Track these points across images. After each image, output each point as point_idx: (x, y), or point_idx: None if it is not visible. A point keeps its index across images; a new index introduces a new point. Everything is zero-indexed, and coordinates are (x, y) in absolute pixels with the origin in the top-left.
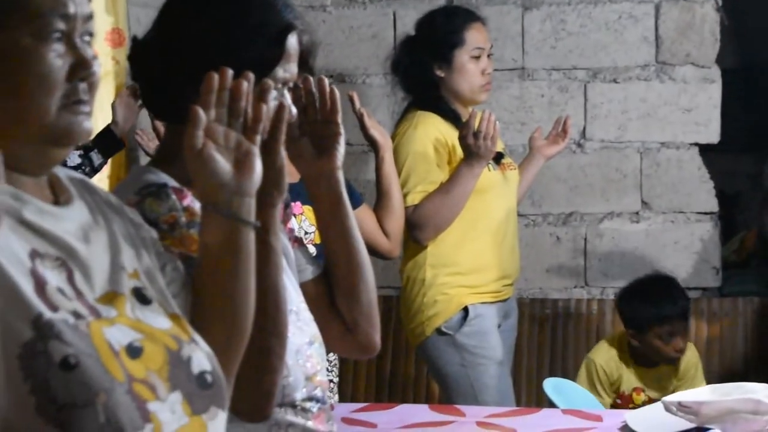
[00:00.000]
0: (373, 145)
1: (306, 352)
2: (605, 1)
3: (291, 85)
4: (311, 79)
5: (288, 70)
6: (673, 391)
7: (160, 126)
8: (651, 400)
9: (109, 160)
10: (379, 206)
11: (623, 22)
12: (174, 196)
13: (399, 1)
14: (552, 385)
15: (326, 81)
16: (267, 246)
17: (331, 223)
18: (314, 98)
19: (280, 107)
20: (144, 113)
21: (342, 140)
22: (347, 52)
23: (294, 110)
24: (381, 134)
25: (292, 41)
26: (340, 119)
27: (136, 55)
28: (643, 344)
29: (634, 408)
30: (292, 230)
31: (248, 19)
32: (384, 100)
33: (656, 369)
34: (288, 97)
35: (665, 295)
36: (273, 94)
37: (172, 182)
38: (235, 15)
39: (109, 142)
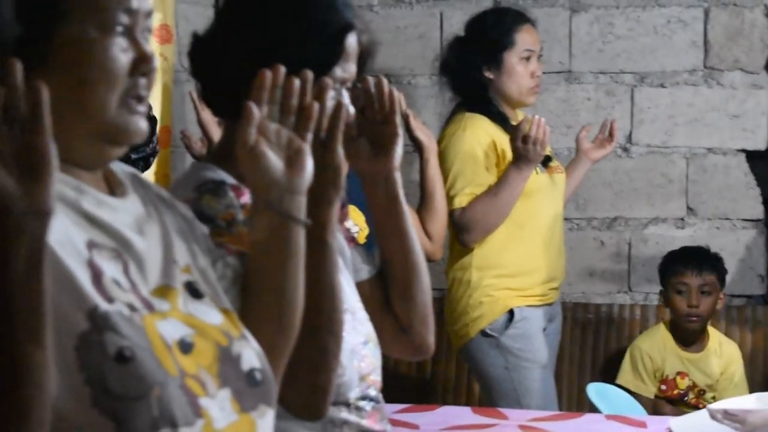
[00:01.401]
0: (417, 146)
1: (361, 352)
2: (654, 5)
3: (349, 84)
4: (370, 79)
5: (346, 69)
6: (717, 380)
7: (208, 123)
8: (695, 386)
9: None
10: (423, 208)
11: (672, 26)
12: (232, 193)
13: (446, 1)
14: (595, 390)
15: (385, 81)
16: (324, 244)
17: (388, 223)
18: (373, 98)
19: (338, 106)
20: (192, 112)
21: (400, 141)
22: (393, 52)
23: (352, 110)
24: (426, 136)
25: (351, 41)
26: (398, 120)
27: (195, 52)
28: (668, 304)
29: (678, 394)
30: (348, 229)
31: (308, 17)
32: (429, 100)
33: (699, 354)
34: (346, 97)
35: (686, 250)
36: (331, 93)
37: (230, 179)
38: (296, 13)
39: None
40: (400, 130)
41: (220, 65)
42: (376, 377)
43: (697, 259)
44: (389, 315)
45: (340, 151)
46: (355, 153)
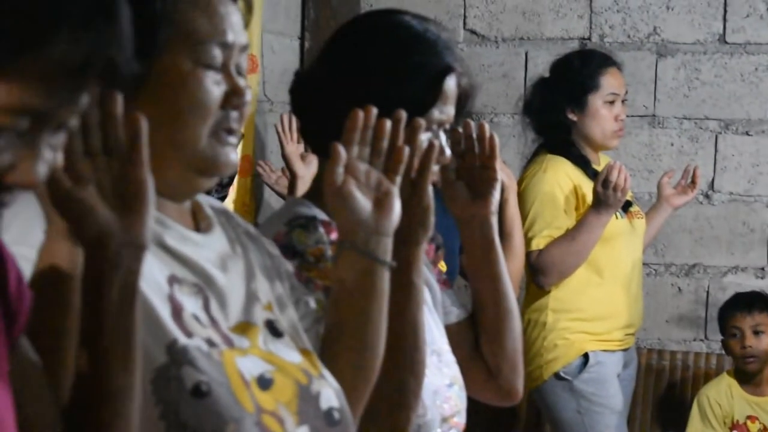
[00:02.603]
0: None
1: (445, 394)
2: (742, 52)
3: (447, 126)
4: (471, 123)
5: (444, 111)
6: None
7: (292, 156)
8: (766, 429)
9: (235, 185)
10: (501, 247)
11: (759, 74)
12: (322, 229)
13: (531, 41)
14: None
15: (486, 126)
16: (410, 283)
17: (482, 267)
18: (473, 143)
19: (430, 146)
20: (274, 142)
21: (498, 186)
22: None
23: (448, 152)
24: (507, 175)
25: (450, 83)
26: (498, 165)
27: (296, 89)
28: (726, 349)
29: None
30: (441, 272)
31: (409, 59)
32: (511, 140)
33: (766, 398)
34: (443, 139)
35: (739, 296)
36: (426, 134)
37: (322, 215)
38: (397, 54)
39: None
40: (499, 175)
41: (319, 103)
42: (460, 420)
43: (747, 300)
44: (478, 359)
45: (430, 191)
46: (452, 196)
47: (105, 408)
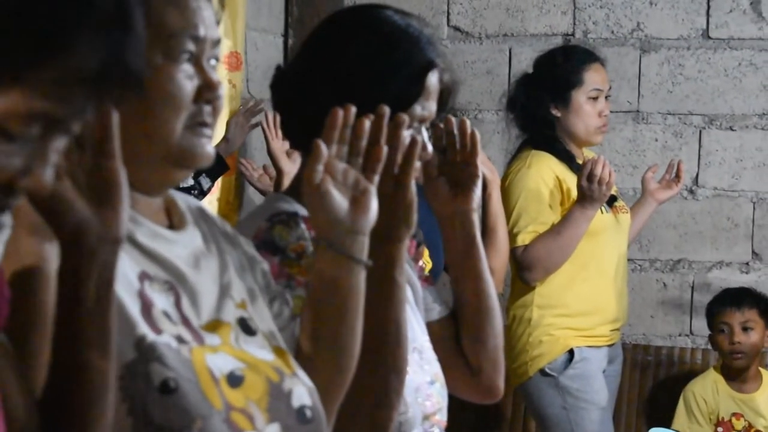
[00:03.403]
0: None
1: (426, 391)
2: (725, 47)
3: (429, 123)
4: (453, 119)
5: (426, 107)
6: None
7: (278, 153)
8: (751, 426)
9: (219, 184)
10: (484, 242)
11: (743, 69)
12: (303, 226)
13: (515, 38)
14: None
15: (468, 122)
16: (392, 281)
17: (463, 264)
18: (454, 139)
19: (413, 142)
20: (258, 139)
21: (479, 182)
22: (461, 87)
23: (430, 148)
24: (490, 170)
25: (433, 79)
26: (479, 161)
27: (277, 85)
28: (714, 345)
29: None
30: (422, 268)
31: (391, 54)
32: (495, 136)
33: (753, 394)
34: (425, 135)
35: (728, 291)
36: (408, 130)
37: (303, 211)
38: (379, 50)
39: (215, 164)
40: (480, 171)
41: (301, 99)
42: (442, 417)
43: (737, 296)
44: (459, 356)
45: (413, 187)
46: (434, 193)
47: (81, 399)
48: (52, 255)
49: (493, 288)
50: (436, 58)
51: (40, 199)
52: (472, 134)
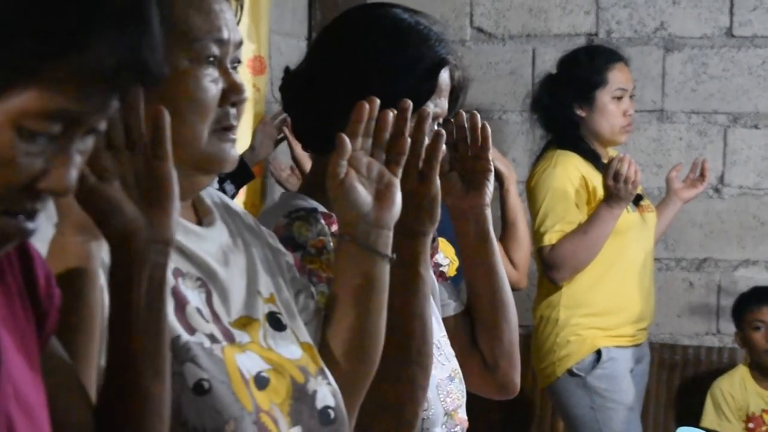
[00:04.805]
0: (497, 176)
1: (446, 387)
2: (749, 45)
3: (441, 120)
4: (463, 114)
5: (439, 105)
6: None
7: (302, 157)
8: None
9: (246, 186)
10: (506, 237)
11: (767, 67)
12: (323, 221)
13: (539, 38)
14: None
15: (478, 116)
16: (417, 275)
17: (477, 259)
18: (465, 133)
19: (437, 135)
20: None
21: (491, 177)
22: (484, 87)
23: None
24: (505, 166)
25: (444, 76)
26: (490, 155)
27: (288, 85)
28: (745, 343)
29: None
30: (437, 264)
31: (402, 52)
32: (519, 137)
33: None
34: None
35: (758, 289)
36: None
37: (321, 208)
38: (390, 48)
39: (241, 172)
40: (492, 166)
41: (312, 99)
42: (463, 415)
43: None
44: (475, 352)
45: (437, 181)
46: (446, 188)
47: (136, 402)
48: (98, 253)
49: (507, 283)
50: (448, 55)
51: (88, 200)
52: (483, 128)
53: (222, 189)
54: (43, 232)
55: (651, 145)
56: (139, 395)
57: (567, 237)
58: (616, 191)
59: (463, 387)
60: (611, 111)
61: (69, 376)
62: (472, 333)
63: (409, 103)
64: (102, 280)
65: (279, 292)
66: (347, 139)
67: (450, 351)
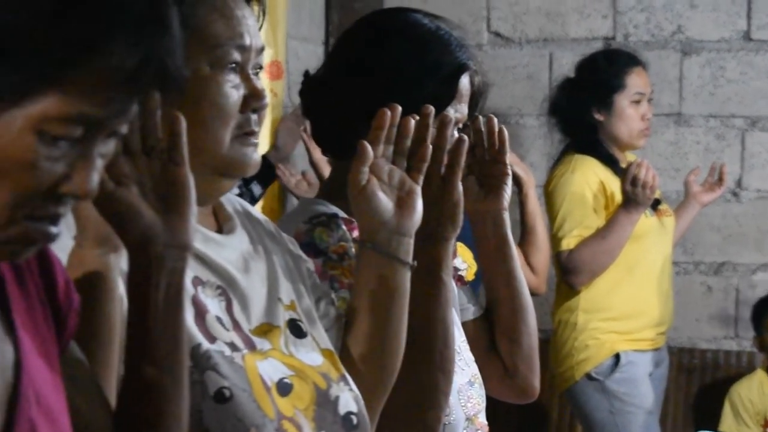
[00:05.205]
0: (516, 181)
1: (467, 393)
2: (767, 49)
3: (461, 125)
4: (480, 117)
5: (459, 110)
6: None
7: (320, 162)
8: None
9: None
10: (525, 242)
11: None
12: (344, 227)
13: (556, 42)
14: None
15: (495, 120)
16: (439, 281)
17: (495, 263)
18: (483, 137)
19: (459, 141)
20: (299, 147)
21: (509, 180)
22: (502, 91)
23: None
24: (524, 170)
25: (465, 82)
26: (508, 159)
27: (307, 90)
28: (763, 347)
29: None
30: (455, 268)
31: (423, 58)
32: (537, 141)
33: None
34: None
35: None
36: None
37: (342, 213)
38: (411, 53)
39: (266, 172)
40: (510, 170)
41: (332, 104)
42: (483, 420)
43: None
44: (494, 357)
45: (460, 187)
46: (464, 192)
47: (154, 406)
48: (116, 265)
49: (526, 287)
50: (468, 60)
51: (106, 205)
52: (500, 132)
53: (249, 190)
54: (63, 244)
55: (669, 149)
56: (156, 400)
57: (585, 242)
58: (633, 196)
59: (483, 392)
60: (629, 115)
61: (88, 380)
62: (492, 337)
63: (432, 109)
64: (121, 290)
65: (300, 299)
66: (369, 146)
67: (470, 356)
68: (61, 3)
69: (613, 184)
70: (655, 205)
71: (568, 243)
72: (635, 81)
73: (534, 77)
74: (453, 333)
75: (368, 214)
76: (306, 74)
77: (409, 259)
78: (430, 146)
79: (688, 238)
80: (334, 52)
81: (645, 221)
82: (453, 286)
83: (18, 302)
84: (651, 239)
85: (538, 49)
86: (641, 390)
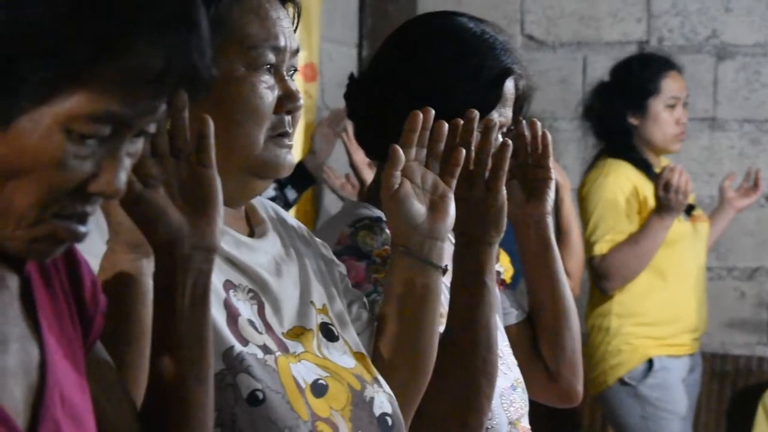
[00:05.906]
0: None
1: (509, 397)
2: None
3: (505, 129)
4: (524, 121)
5: (503, 114)
6: None
7: (360, 165)
8: None
9: None
10: (559, 245)
11: None
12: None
13: (590, 46)
14: None
15: (538, 124)
16: (482, 285)
17: (538, 267)
18: (526, 141)
19: (504, 146)
20: (338, 150)
21: (552, 185)
22: (536, 95)
23: None
24: (560, 174)
25: (509, 86)
26: (551, 163)
27: (352, 93)
28: None
29: None
30: (498, 272)
31: (468, 61)
32: (570, 145)
33: None
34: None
35: None
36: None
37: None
38: (455, 57)
39: (301, 176)
40: (553, 174)
41: (377, 108)
42: (526, 424)
43: None
44: (537, 361)
45: (504, 192)
46: (507, 196)
47: (179, 408)
48: (148, 270)
49: (569, 291)
50: (513, 64)
51: (133, 206)
52: (543, 136)
53: (283, 194)
54: (95, 248)
55: (703, 154)
56: (181, 401)
57: (618, 247)
58: (667, 201)
59: (525, 396)
60: (664, 119)
61: (114, 381)
62: (534, 342)
63: (476, 113)
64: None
65: (332, 303)
66: (401, 150)
67: (512, 360)
68: (85, 1)
69: (647, 188)
70: (689, 210)
71: (600, 248)
72: (670, 85)
73: (568, 81)
74: (496, 337)
75: (400, 218)
76: (351, 77)
77: (442, 263)
78: (464, 151)
79: (722, 243)
80: (379, 54)
81: (679, 227)
82: (496, 291)
83: (44, 303)
84: (684, 245)
85: (571, 53)
86: (674, 396)
